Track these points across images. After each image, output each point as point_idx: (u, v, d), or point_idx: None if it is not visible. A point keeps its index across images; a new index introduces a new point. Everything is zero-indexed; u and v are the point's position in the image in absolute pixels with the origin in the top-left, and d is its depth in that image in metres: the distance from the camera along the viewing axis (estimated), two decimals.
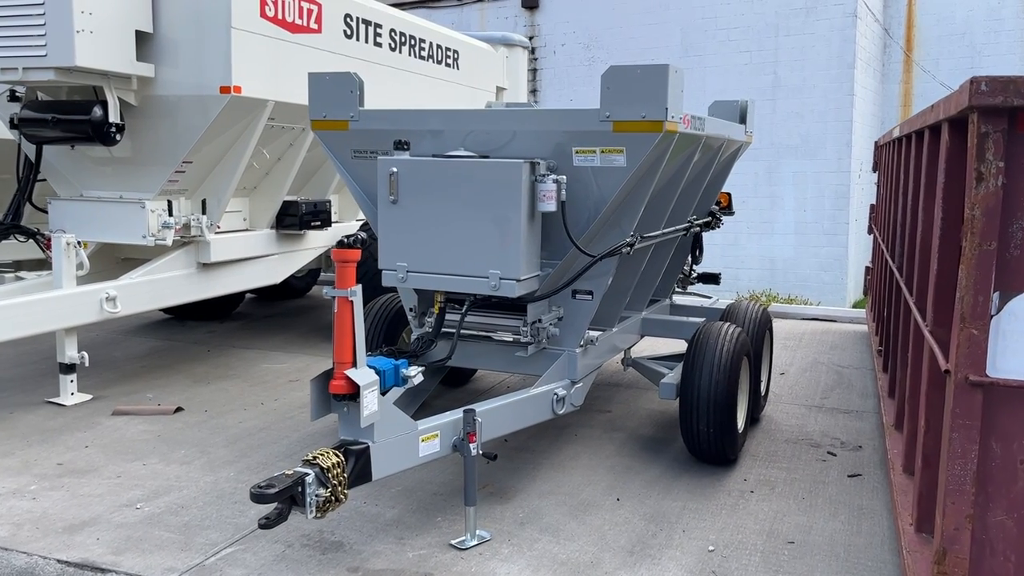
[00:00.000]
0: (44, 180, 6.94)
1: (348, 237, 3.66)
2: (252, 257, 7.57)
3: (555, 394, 4.71)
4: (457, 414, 4.11)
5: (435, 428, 4.04)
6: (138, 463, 5.18)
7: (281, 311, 10.13)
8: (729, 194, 6.98)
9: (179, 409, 6.18)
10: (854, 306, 15.26)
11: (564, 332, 4.83)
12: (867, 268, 9.60)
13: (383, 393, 3.81)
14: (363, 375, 3.65)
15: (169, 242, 6.55)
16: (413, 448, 3.95)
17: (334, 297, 3.63)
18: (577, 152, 4.46)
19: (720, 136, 5.55)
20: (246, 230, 7.69)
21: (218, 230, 7.02)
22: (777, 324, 9.66)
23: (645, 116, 4.26)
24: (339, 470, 3.57)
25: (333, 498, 3.54)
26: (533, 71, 17.55)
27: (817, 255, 15.61)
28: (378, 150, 4.83)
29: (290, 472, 3.48)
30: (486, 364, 5.05)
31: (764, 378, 6.19)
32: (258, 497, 3.32)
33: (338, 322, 3.63)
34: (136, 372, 7.24)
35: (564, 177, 4.38)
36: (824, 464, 5.31)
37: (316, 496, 3.48)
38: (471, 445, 4.06)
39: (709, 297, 7.52)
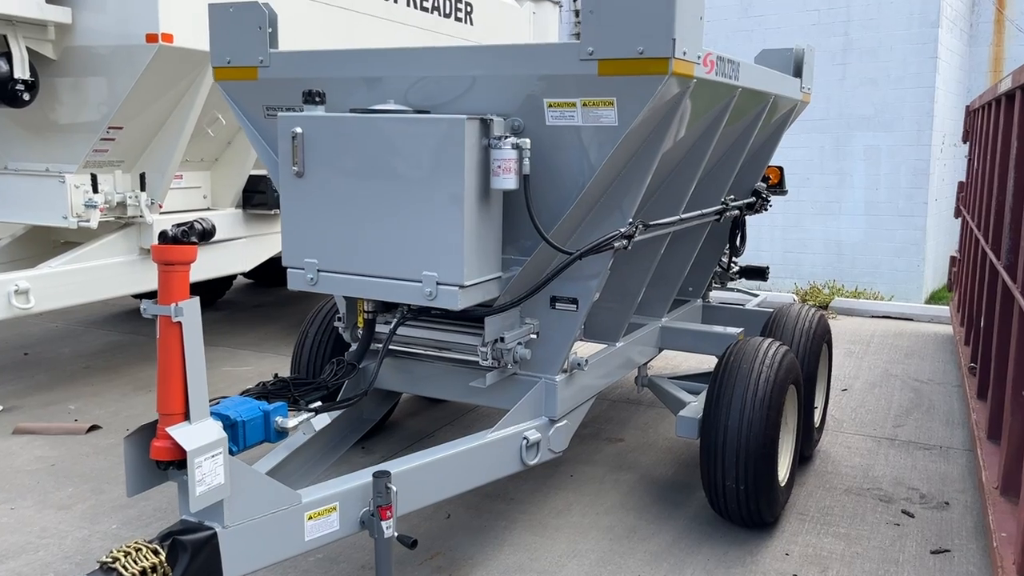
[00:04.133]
0: None
1: (178, 226, 2.46)
2: (214, 242, 6.45)
3: (524, 438, 3.45)
4: (364, 478, 2.89)
5: (330, 500, 2.83)
6: (5, 506, 4.10)
7: (275, 299, 9.05)
8: (780, 168, 5.58)
9: (94, 427, 5.11)
10: (932, 299, 13.62)
11: (540, 353, 3.57)
12: (953, 258, 8.07)
13: (239, 449, 2.61)
14: (197, 433, 2.45)
15: (94, 224, 5.45)
16: (294, 530, 2.74)
17: (156, 317, 2.43)
18: (551, 106, 3.17)
19: (764, 90, 4.18)
20: (206, 209, 6.58)
21: (161, 210, 5.90)
22: (841, 323, 8.21)
23: (643, 52, 2.94)
24: None
25: None
26: (577, 36, 16.11)
27: (891, 239, 13.94)
28: (296, 107, 3.61)
29: None
30: (436, 391, 3.82)
31: (819, 404, 4.82)
32: None
33: (161, 354, 2.44)
34: (73, 375, 6.21)
35: (528, 141, 3.10)
36: (898, 531, 3.94)
37: None
38: (384, 524, 2.85)
39: (754, 294, 6.15)
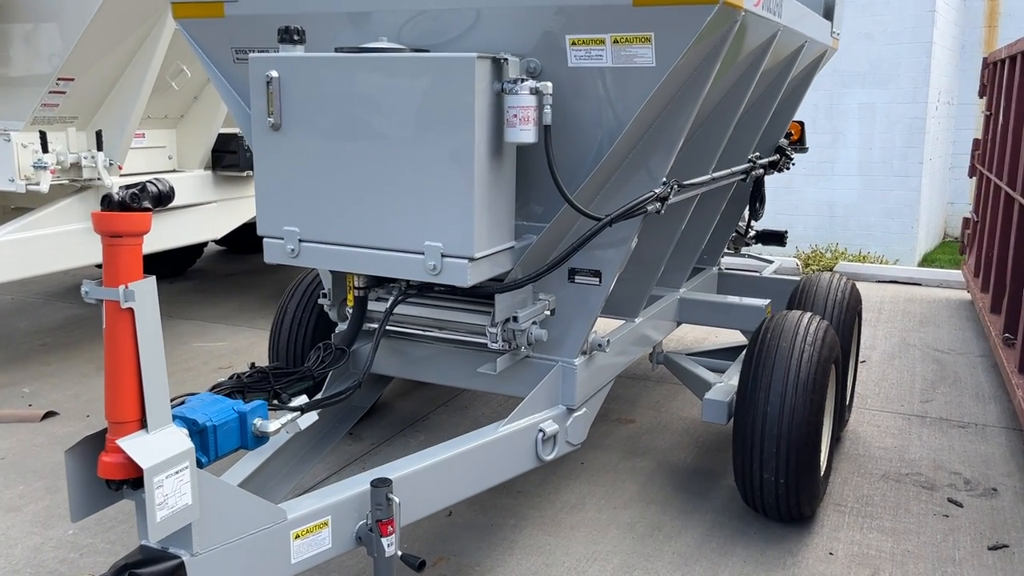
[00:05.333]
0: None
1: (127, 189, 1.96)
2: (180, 206, 5.91)
3: (540, 431, 3.01)
4: (360, 486, 2.44)
5: (320, 514, 2.38)
6: None
7: (250, 267, 8.51)
8: (802, 123, 5.14)
9: (50, 414, 4.60)
10: (924, 261, 13.32)
11: (556, 334, 3.11)
12: (967, 220, 7.69)
13: (210, 460, 2.15)
14: (156, 445, 1.98)
15: (44, 188, 4.90)
16: (279, 552, 2.29)
17: (101, 302, 1.95)
18: (574, 44, 2.68)
19: (800, 33, 3.71)
20: (172, 171, 6.03)
21: (121, 171, 5.34)
22: None
23: None
24: None
25: None
26: None
27: (884, 200, 13.59)
28: (271, 48, 3.09)
29: None
30: (438, 376, 3.36)
31: (849, 381, 4.43)
32: None
33: (109, 349, 1.96)
34: (28, 354, 5.68)
35: (549, 85, 2.61)
36: (948, 524, 3.57)
37: None
38: (385, 541, 2.40)
39: (769, 260, 5.73)
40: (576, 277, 3.04)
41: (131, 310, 1.92)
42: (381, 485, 2.39)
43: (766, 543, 3.39)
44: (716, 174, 3.48)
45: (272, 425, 2.27)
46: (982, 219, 6.59)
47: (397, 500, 2.39)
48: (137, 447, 1.93)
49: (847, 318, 4.11)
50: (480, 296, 2.92)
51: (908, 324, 6.65)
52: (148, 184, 1.99)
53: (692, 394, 4.52)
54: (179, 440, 2.03)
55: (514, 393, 3.19)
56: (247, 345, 5.90)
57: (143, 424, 1.99)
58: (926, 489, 3.87)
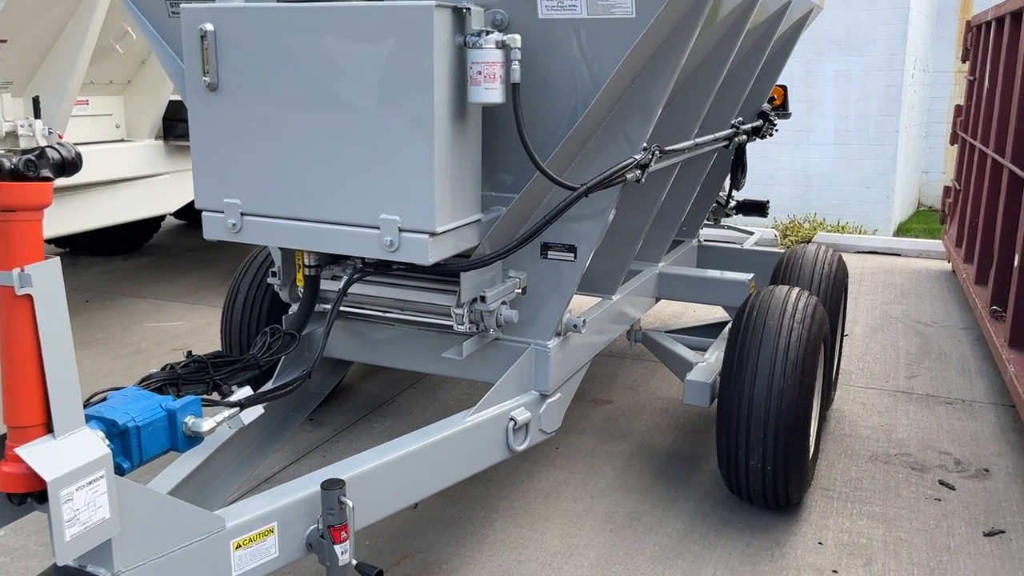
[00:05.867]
0: None
1: (22, 155, 1.68)
2: (128, 178, 5.58)
3: (511, 420, 2.78)
4: (309, 487, 2.19)
5: (265, 520, 2.13)
6: None
7: (209, 242, 8.15)
8: (784, 88, 4.89)
9: None
10: (899, 231, 13.23)
11: (528, 313, 2.87)
12: (947, 189, 7.53)
13: (133, 465, 1.89)
14: (63, 452, 1.71)
15: None
16: (217, 565, 2.04)
17: None
18: None
19: None
20: (121, 140, 5.68)
21: (61, 140, 4.98)
22: None
23: None
24: None
25: None
26: None
27: (860, 169, 13.45)
28: None
29: None
30: (399, 360, 3.11)
31: (836, 358, 4.24)
32: None
33: (5, 342, 1.68)
34: None
35: (518, 38, 2.34)
36: (941, 509, 3.39)
37: None
38: (338, 548, 2.16)
39: (749, 232, 5.52)
40: (549, 252, 2.79)
41: (29, 297, 1.65)
42: (333, 487, 2.15)
43: (752, 533, 3.20)
44: (699, 140, 3.23)
45: (206, 424, 2.01)
46: (965, 188, 6.42)
47: (351, 504, 2.14)
48: (39, 456, 1.66)
49: (834, 292, 3.91)
50: (444, 274, 2.66)
51: (889, 296, 6.49)
52: (48, 150, 1.71)
53: (671, 372, 4.30)
54: (93, 445, 1.76)
55: (482, 378, 2.95)
56: (204, 325, 5.61)
57: (49, 428, 1.72)
58: (916, 471, 3.70)
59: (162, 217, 7.50)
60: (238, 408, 2.13)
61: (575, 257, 2.76)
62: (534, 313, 2.86)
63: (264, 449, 2.98)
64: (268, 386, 2.74)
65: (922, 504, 3.42)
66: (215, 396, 2.34)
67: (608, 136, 2.68)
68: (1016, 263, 4.22)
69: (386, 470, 2.39)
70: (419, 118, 2.29)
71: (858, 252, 8.02)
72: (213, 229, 2.59)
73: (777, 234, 8.68)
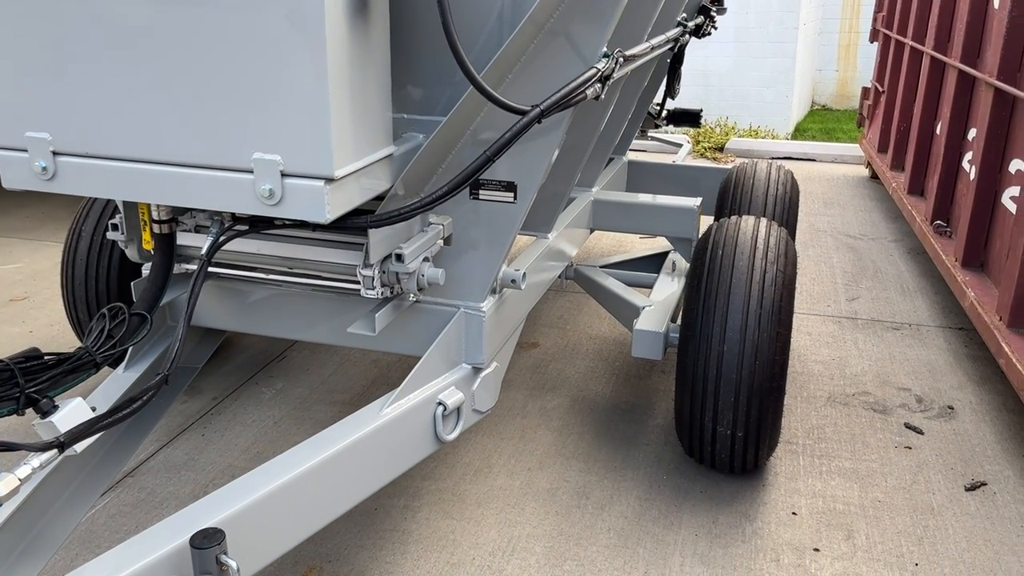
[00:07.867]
0: None
1: None
2: None
3: (440, 404, 2.20)
4: (177, 538, 1.58)
5: None
6: None
7: None
8: None
9: None
10: (797, 132, 13.10)
11: (457, 271, 2.26)
12: (866, 89, 7.19)
13: None
14: None
15: None
16: None
17: None
18: None
19: None
20: None
21: None
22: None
23: None
24: None
25: None
26: None
27: (759, 68, 13.11)
28: None
29: None
30: (292, 331, 2.46)
31: None
32: None
33: None
34: None
35: None
36: (914, 458, 3.06)
37: None
38: None
39: (678, 144, 5.01)
40: (481, 192, 2.17)
41: None
42: (206, 545, 1.53)
43: (716, 505, 2.77)
44: (654, 41, 2.63)
45: (5, 484, 1.35)
46: (891, 89, 6.06)
47: (234, 564, 1.54)
48: None
49: (791, 218, 3.46)
50: (346, 228, 2.01)
51: (813, 207, 6.17)
52: None
53: (598, 304, 3.78)
54: None
55: (400, 351, 2.36)
56: (50, 267, 4.74)
57: None
58: (879, 413, 3.36)
59: None
60: (55, 451, 1.47)
61: (515, 198, 2.16)
62: (463, 269, 2.26)
63: (123, 448, 2.32)
64: (115, 385, 2.06)
65: (892, 454, 3.08)
66: (34, 412, 1.66)
67: (552, 40, 2.04)
68: (973, 176, 3.86)
69: (281, 497, 1.79)
70: (303, 13, 1.61)
71: (773, 159, 7.66)
72: (14, 175, 1.85)
73: (688, 139, 8.23)
